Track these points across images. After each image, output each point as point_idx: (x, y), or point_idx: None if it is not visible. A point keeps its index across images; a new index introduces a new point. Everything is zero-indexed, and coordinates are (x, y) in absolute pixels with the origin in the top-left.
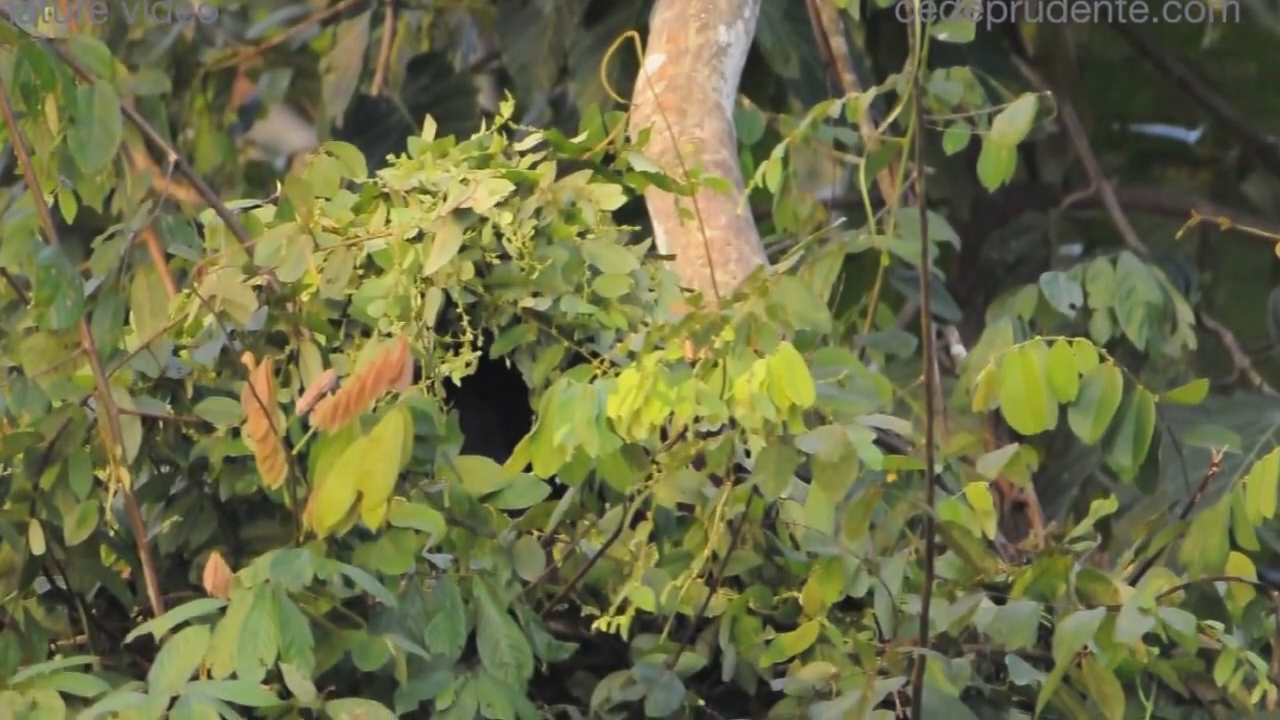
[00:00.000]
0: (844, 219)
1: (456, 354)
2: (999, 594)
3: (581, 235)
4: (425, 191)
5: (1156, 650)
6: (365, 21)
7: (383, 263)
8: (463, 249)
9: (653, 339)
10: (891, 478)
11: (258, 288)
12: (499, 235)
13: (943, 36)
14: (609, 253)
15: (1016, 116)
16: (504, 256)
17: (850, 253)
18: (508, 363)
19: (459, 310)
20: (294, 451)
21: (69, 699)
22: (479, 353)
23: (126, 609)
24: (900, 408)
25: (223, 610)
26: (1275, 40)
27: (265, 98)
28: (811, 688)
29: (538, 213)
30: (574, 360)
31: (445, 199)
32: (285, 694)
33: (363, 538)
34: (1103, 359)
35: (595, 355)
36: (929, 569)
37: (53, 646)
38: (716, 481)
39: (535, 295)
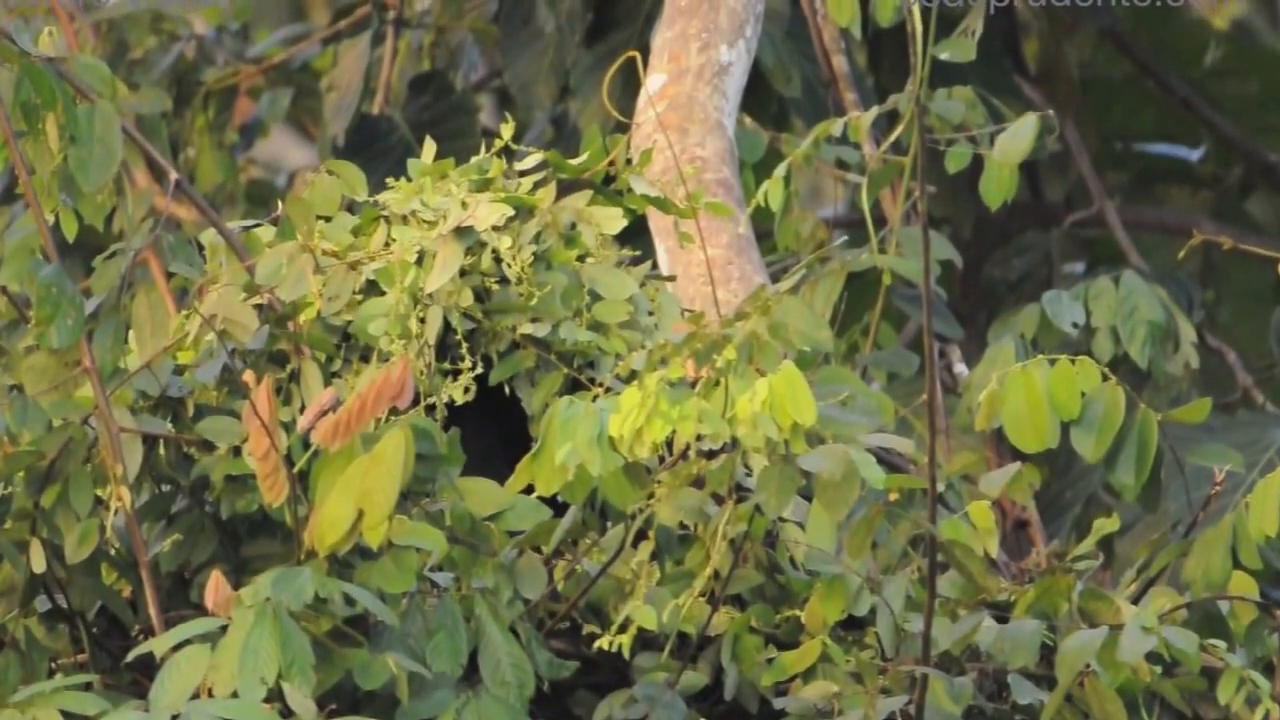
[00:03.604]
0: (846, 238)
1: (455, 379)
2: (1001, 613)
3: (581, 259)
4: (425, 217)
5: (1159, 669)
6: (366, 40)
7: (383, 282)
8: (462, 274)
9: (655, 358)
10: (894, 496)
11: (259, 307)
12: (498, 260)
13: (944, 56)
14: (608, 277)
15: (1018, 135)
16: (503, 281)
17: (852, 272)
18: (507, 389)
19: (458, 337)
20: (295, 470)
21: (70, 718)
22: (477, 371)
23: (127, 628)
24: (902, 426)
25: (224, 629)
26: (1277, 59)
27: (266, 116)
28: (814, 707)
29: (537, 237)
30: (573, 386)
31: (446, 219)
32: (286, 712)
33: (364, 556)
34: (1105, 378)
35: (594, 381)
36: (931, 587)
37: (53, 665)
38: (718, 500)
39: (534, 321)
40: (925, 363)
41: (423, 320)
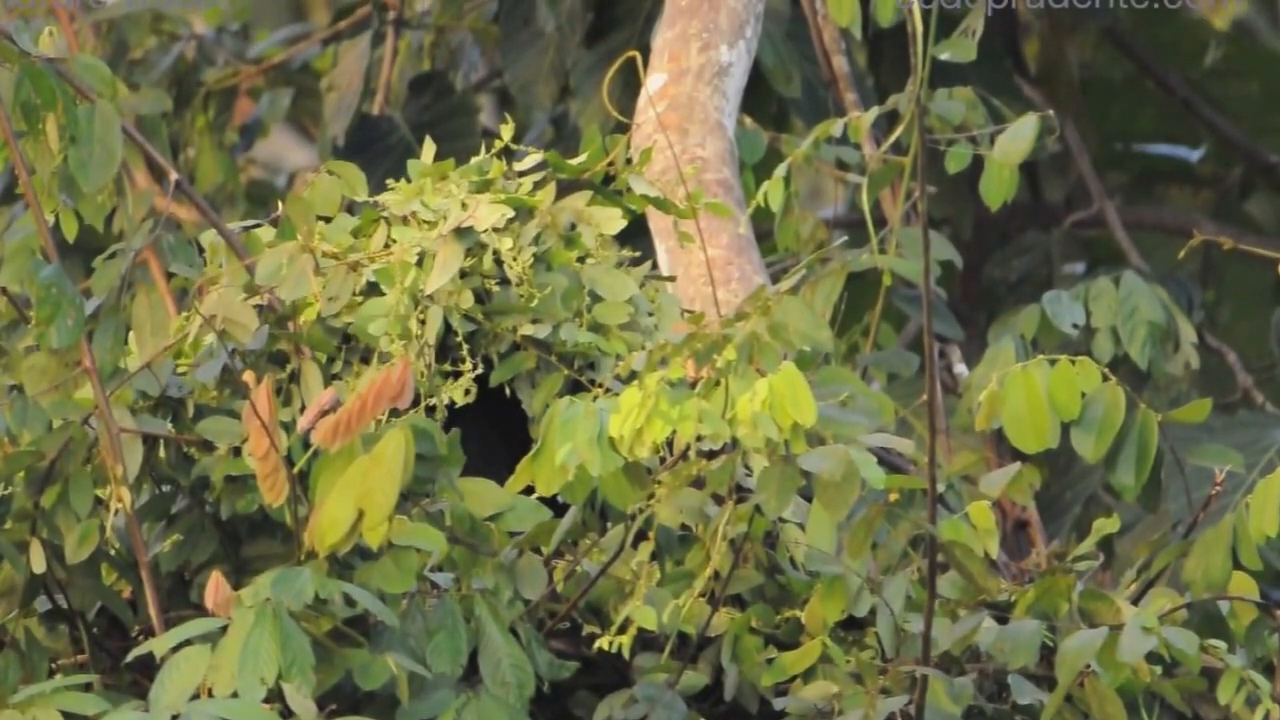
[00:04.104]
0: (846, 238)
1: (456, 381)
2: (1001, 613)
3: (581, 260)
4: (425, 218)
5: (1159, 670)
6: (366, 41)
7: (383, 283)
8: (462, 275)
9: (655, 358)
10: (894, 497)
11: (259, 307)
12: (498, 261)
13: (945, 56)
14: (608, 278)
15: (1019, 136)
16: (503, 283)
17: (852, 272)
18: (507, 390)
19: (458, 338)
20: (295, 470)
21: (70, 718)
22: (478, 373)
23: (127, 628)
24: (903, 427)
25: (224, 629)
26: (1278, 59)
27: (266, 117)
28: (814, 707)
29: (537, 238)
30: (574, 388)
31: (445, 220)
32: (286, 713)
33: (364, 556)
34: (1105, 378)
35: (595, 383)
36: (931, 588)
37: (53, 666)
38: (719, 501)
39: (535, 322)
40: (925, 363)
41: (423, 321)
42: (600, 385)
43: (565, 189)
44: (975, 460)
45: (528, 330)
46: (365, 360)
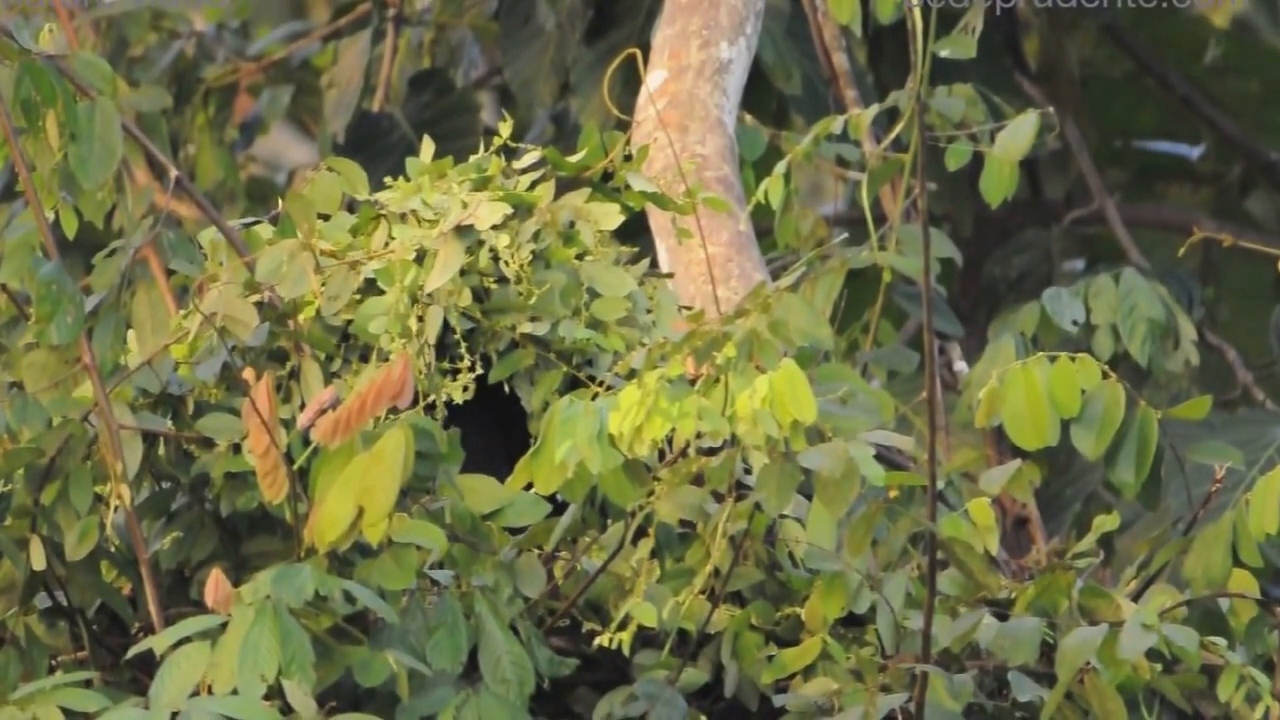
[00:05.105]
0: (846, 235)
1: (455, 378)
2: (1001, 610)
3: (580, 257)
4: (424, 216)
5: (1159, 666)
6: (367, 38)
7: (383, 281)
8: (461, 273)
9: (654, 355)
10: (893, 494)
11: (259, 304)
12: (496, 259)
13: (945, 53)
14: (607, 275)
15: (1019, 133)
16: (501, 280)
17: (852, 269)
18: (506, 387)
19: (457, 336)
20: (295, 467)
21: (70, 715)
22: (477, 372)
23: (127, 625)
24: (902, 424)
25: (224, 626)
26: (1278, 57)
27: (266, 114)
28: (814, 704)
29: (536, 235)
30: (572, 384)
31: (445, 218)
32: (286, 710)
33: (364, 553)
34: (1105, 375)
35: (593, 379)
36: (931, 585)
37: (53, 662)
38: (718, 498)
39: (533, 320)
40: (925, 360)
41: (422, 319)
42: (599, 382)
43: (564, 186)
44: (975, 457)
45: (526, 327)
46: (365, 358)
